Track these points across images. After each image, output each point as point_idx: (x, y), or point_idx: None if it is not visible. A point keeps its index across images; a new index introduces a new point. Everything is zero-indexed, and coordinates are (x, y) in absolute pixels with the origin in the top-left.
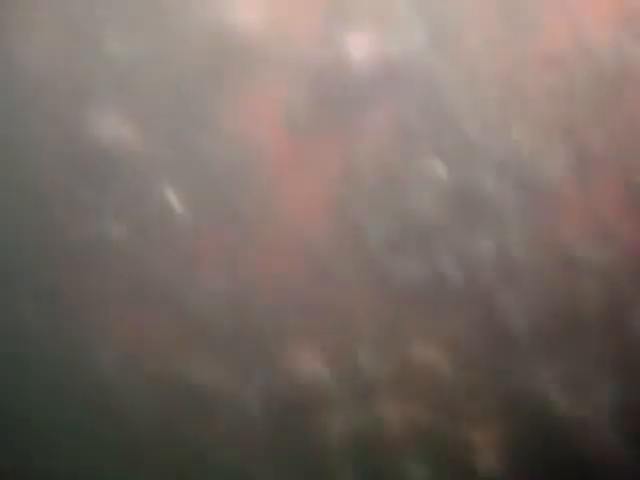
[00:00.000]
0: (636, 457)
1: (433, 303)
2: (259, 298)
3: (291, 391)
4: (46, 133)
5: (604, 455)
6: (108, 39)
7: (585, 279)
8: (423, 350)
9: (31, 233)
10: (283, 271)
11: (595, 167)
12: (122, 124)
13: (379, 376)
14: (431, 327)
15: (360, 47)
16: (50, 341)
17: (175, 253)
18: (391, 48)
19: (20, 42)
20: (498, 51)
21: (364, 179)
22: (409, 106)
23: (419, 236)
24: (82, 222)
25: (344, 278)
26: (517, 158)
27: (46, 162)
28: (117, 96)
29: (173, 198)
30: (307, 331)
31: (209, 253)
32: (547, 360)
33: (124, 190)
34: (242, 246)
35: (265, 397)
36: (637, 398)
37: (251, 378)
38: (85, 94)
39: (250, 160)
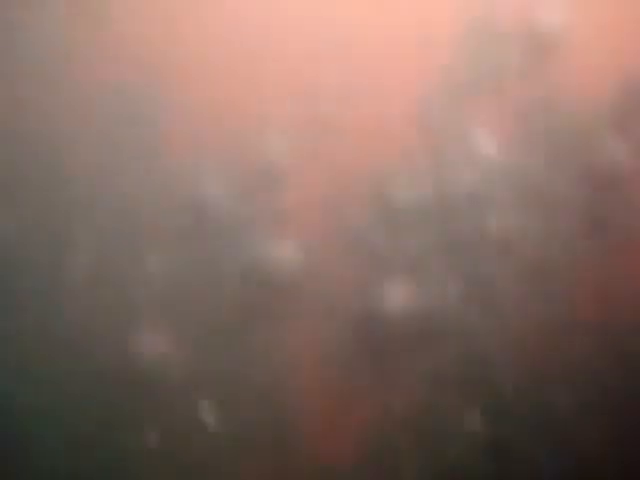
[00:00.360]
0: None
1: None
2: None
3: None
4: (86, 346)
5: None
6: (149, 258)
7: None
8: None
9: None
10: None
11: (630, 436)
12: (160, 340)
13: None
14: None
15: (394, 297)
16: None
17: (209, 467)
18: (425, 300)
19: (61, 262)
20: (531, 311)
21: (398, 424)
22: (443, 356)
23: (453, 477)
24: (116, 428)
25: None
26: (550, 418)
27: (85, 373)
28: (156, 314)
29: (207, 414)
30: None
31: (242, 469)
32: None
33: (159, 401)
34: (273, 470)
35: None
36: None
37: None
38: (125, 311)
39: (285, 390)
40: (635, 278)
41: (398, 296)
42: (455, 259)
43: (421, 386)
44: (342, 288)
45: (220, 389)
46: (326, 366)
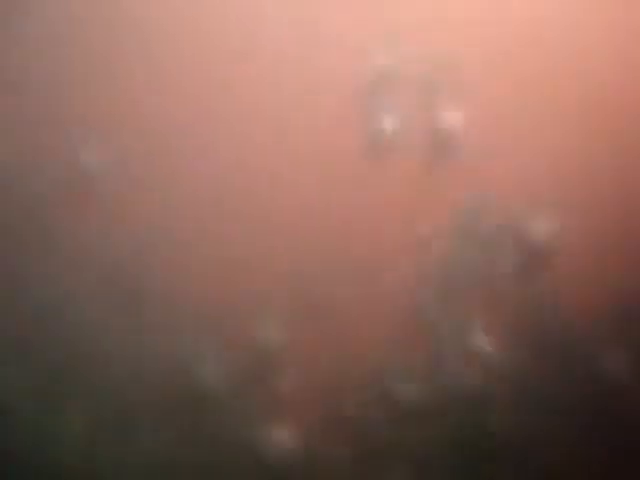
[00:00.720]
0: None
1: None
2: None
3: None
4: None
5: None
6: (143, 436)
7: None
8: None
9: None
10: None
11: None
12: None
13: None
14: None
15: None
16: None
17: None
18: None
19: (52, 431)
20: None
21: None
22: None
23: None
24: None
25: None
26: None
27: None
28: None
29: None
30: None
31: None
32: None
33: None
34: None
35: None
36: None
37: None
38: None
39: None
40: None
41: None
42: (456, 455)
43: None
44: (340, 479)
45: None
46: None
